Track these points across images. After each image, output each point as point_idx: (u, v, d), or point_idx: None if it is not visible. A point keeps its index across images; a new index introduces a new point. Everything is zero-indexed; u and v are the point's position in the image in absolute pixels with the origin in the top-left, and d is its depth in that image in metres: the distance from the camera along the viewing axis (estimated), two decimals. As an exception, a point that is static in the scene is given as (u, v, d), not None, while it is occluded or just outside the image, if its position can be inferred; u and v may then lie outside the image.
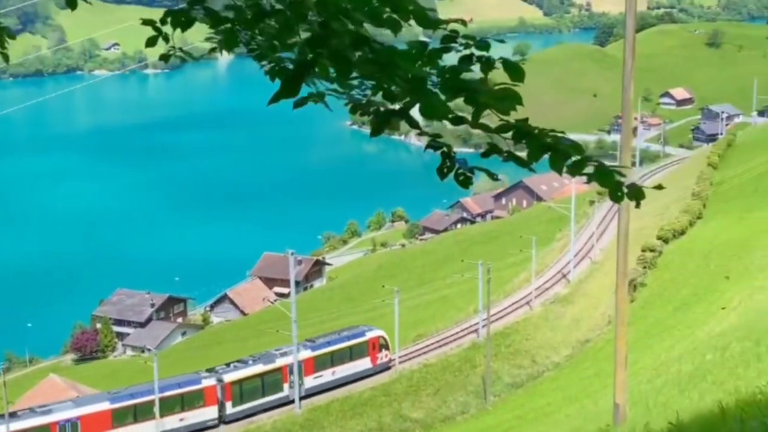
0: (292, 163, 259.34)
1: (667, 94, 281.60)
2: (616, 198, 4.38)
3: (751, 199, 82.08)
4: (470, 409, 60.27)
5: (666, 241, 74.32)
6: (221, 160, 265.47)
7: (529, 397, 57.26)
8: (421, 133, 4.31)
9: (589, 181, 4.39)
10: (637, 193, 4.41)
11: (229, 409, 57.99)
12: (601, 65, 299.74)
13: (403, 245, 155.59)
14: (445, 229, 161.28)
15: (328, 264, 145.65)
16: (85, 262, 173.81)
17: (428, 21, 3.66)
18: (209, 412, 57.07)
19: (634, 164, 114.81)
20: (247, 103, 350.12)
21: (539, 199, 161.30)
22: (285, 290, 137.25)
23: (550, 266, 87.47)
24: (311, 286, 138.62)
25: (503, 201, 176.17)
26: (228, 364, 60.50)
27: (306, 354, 61.68)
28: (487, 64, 4.06)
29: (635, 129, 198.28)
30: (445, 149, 4.35)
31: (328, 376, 62.94)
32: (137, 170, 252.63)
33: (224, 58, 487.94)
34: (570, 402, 47.85)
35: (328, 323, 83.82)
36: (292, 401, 60.16)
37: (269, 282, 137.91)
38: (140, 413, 54.55)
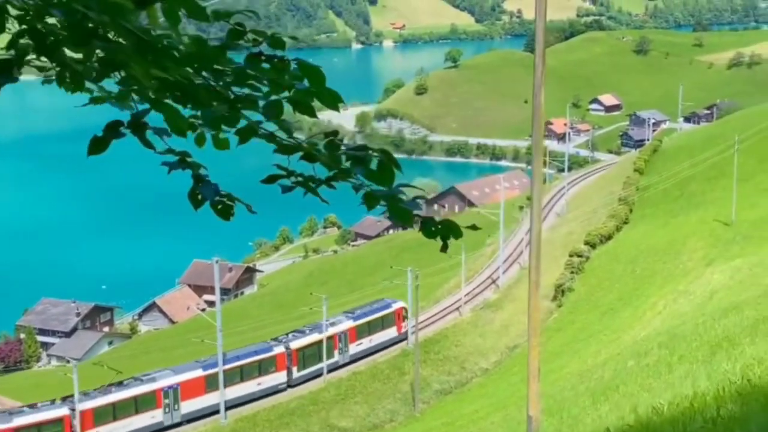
0: (223, 168, 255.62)
1: (596, 101, 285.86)
2: (428, 233, 3.82)
3: (676, 203, 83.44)
4: (399, 416, 59.88)
5: (593, 246, 75.03)
6: (150, 166, 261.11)
7: (457, 404, 57.09)
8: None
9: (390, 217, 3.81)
10: (449, 230, 3.84)
11: (295, 373, 63.55)
12: (532, 71, 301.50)
13: (335, 251, 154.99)
14: (378, 235, 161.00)
15: (259, 271, 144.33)
16: (9, 271, 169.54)
17: (202, 13, 2.95)
18: (280, 377, 62.72)
19: (562, 170, 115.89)
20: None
21: (471, 204, 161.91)
22: (214, 298, 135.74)
23: (479, 272, 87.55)
24: (242, 293, 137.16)
25: (435, 207, 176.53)
26: (287, 334, 65.82)
27: (349, 324, 68.00)
28: (280, 66, 3.39)
29: (565, 135, 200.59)
30: (199, 172, 3.66)
31: (366, 343, 68.55)
32: (62, 178, 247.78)
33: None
34: (497, 409, 47.76)
35: (259, 331, 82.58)
36: (341, 366, 66.49)
37: (199, 289, 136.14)
38: (227, 379, 59.36)
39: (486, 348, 65.92)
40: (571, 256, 72.31)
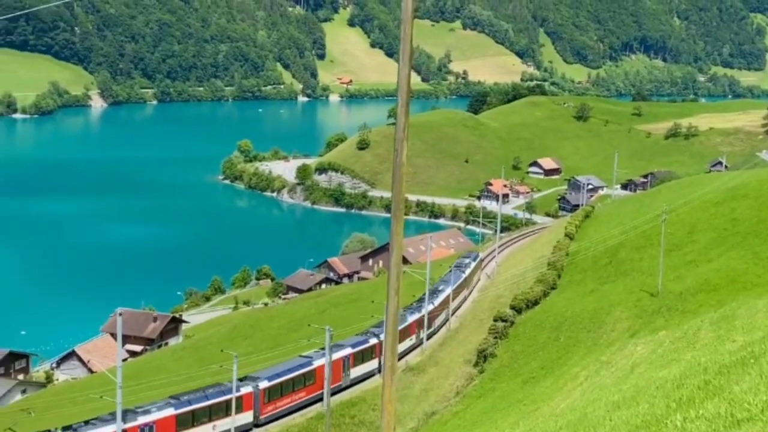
0: (160, 217, 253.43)
1: (535, 163, 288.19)
2: None
3: (605, 270, 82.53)
4: (308, 484, 57.03)
5: (519, 310, 73.45)
6: (86, 211, 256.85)
7: (368, 473, 54.51)
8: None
9: None
10: None
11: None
12: (474, 132, 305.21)
13: (266, 304, 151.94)
14: (309, 289, 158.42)
15: (185, 321, 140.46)
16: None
17: None
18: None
19: (495, 231, 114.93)
20: (120, 153, 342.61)
21: (405, 261, 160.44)
22: (137, 347, 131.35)
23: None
24: (166, 343, 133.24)
25: (370, 262, 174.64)
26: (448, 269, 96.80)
27: (475, 263, 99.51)
28: None
29: (503, 196, 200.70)
30: None
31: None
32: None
33: (98, 105, 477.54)
34: (407, 481, 45.42)
35: (173, 387, 79.14)
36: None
37: (122, 338, 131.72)
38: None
39: (403, 413, 63.52)
40: (495, 320, 70.58)
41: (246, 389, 62.62)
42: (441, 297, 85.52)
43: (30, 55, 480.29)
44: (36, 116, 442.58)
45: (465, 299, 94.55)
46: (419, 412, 62.70)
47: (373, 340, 73.36)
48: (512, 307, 72.96)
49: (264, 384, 63.54)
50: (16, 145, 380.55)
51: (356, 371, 71.80)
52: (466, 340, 77.76)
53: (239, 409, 61.36)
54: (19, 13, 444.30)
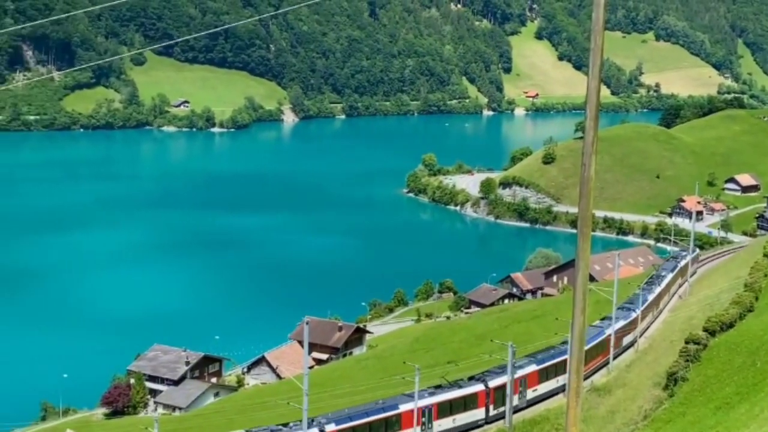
0: (347, 229, 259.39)
1: (732, 180, 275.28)
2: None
3: (808, 294, 77.55)
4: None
5: (713, 333, 69.93)
6: (278, 222, 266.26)
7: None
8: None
9: None
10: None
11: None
12: (666, 147, 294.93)
13: (448, 317, 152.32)
14: (492, 304, 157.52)
15: (369, 332, 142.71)
16: (131, 314, 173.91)
17: None
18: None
19: (687, 249, 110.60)
20: (309, 166, 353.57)
21: (591, 279, 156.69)
22: (323, 356, 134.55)
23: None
24: (350, 353, 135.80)
25: (554, 278, 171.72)
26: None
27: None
28: None
29: (697, 213, 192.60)
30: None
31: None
32: (191, 234, 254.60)
33: (290, 119, 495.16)
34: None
35: (356, 396, 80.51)
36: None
37: (309, 346, 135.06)
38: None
39: (588, 435, 61.90)
40: (687, 342, 67.48)
41: None
42: (664, 282, 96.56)
43: (228, 71, 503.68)
44: (232, 130, 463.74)
45: (680, 287, 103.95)
46: (604, 434, 60.93)
47: (633, 314, 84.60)
48: (705, 330, 69.60)
49: None
50: (213, 158, 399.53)
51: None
52: (654, 362, 74.97)
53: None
54: (214, 30, 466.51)
